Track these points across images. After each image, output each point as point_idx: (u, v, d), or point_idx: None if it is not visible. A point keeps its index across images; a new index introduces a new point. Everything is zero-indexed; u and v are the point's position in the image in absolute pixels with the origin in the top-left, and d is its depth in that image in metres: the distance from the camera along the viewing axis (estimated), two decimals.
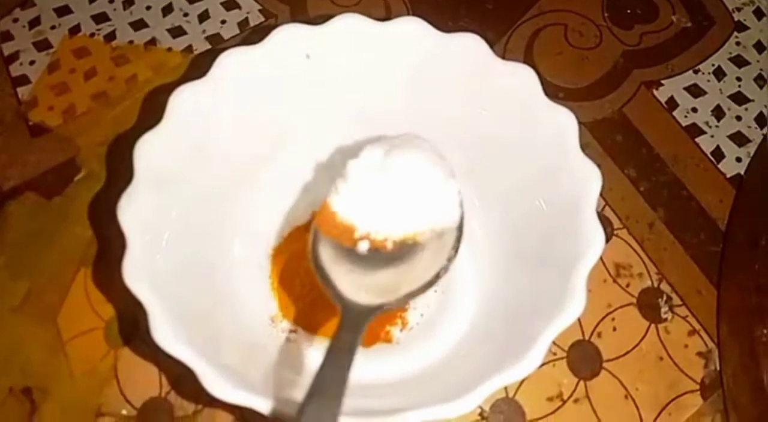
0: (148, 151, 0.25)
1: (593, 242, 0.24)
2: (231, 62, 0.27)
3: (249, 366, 0.25)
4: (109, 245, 0.33)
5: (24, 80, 0.38)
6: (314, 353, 0.29)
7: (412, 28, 0.28)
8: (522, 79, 0.27)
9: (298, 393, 0.25)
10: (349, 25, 0.28)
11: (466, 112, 0.29)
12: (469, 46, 0.27)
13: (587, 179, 0.25)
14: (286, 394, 0.24)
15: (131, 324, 0.32)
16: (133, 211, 0.24)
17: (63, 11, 0.41)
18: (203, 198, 0.27)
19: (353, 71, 0.29)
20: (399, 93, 0.30)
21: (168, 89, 0.27)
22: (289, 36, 0.28)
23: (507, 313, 0.27)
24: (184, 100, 0.26)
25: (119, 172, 0.35)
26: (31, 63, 0.39)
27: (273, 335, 0.29)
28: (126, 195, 0.24)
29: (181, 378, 0.30)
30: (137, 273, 0.23)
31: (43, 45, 0.39)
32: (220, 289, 0.28)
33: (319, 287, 0.23)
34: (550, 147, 0.26)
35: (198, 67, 0.28)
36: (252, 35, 0.40)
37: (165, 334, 0.22)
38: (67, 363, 0.31)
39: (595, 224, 0.24)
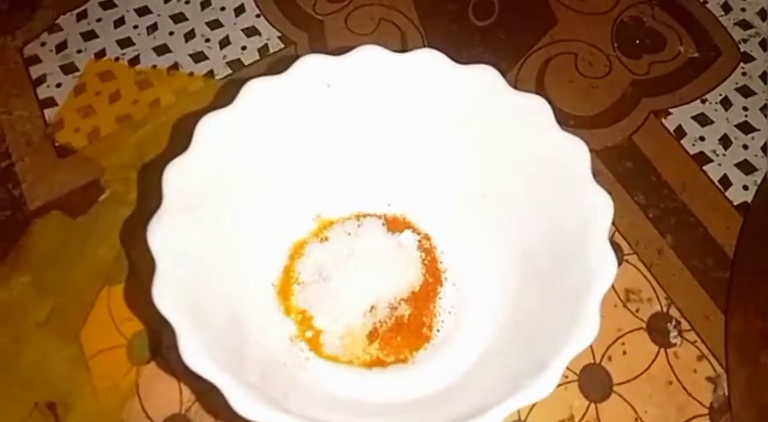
0: (175, 176, 0.26)
1: (606, 269, 0.24)
2: (255, 91, 0.28)
3: (269, 384, 0.26)
4: (134, 265, 0.34)
5: (51, 102, 0.40)
6: (331, 372, 0.30)
7: (428, 60, 0.29)
8: (535, 108, 0.28)
9: (316, 412, 0.25)
10: (368, 56, 0.29)
11: (480, 139, 0.30)
12: (483, 77, 0.28)
13: (599, 206, 0.26)
14: (305, 412, 0.24)
15: (153, 342, 0.32)
16: (161, 234, 0.25)
17: (89, 36, 0.42)
18: (228, 222, 0.28)
19: (372, 100, 0.30)
20: (416, 121, 0.31)
21: (194, 116, 0.28)
22: (311, 66, 0.29)
23: (520, 336, 0.28)
24: (210, 127, 0.27)
25: (145, 196, 0.36)
26: (58, 85, 0.40)
27: (293, 354, 0.30)
28: (155, 218, 0.25)
29: (202, 395, 0.31)
30: (166, 295, 0.23)
31: (69, 68, 0.41)
32: (242, 309, 0.29)
33: None
34: (562, 174, 0.27)
35: (221, 92, 0.29)
36: (274, 64, 0.41)
37: (195, 355, 0.22)
38: (90, 379, 0.32)
39: (608, 251, 0.25)
